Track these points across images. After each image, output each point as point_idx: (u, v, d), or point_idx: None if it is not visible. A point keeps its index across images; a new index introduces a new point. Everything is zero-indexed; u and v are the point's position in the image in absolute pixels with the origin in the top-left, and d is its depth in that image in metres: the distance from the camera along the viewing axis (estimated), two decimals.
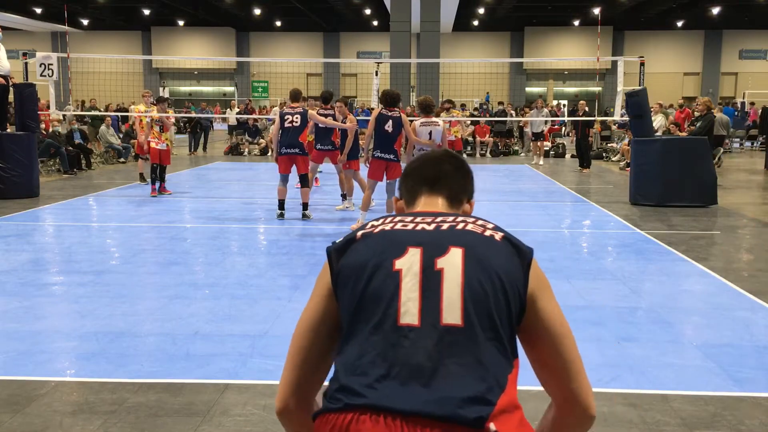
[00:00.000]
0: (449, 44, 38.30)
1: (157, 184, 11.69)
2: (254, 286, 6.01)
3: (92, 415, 3.51)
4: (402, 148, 10.36)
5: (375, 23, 41.55)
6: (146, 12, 39.70)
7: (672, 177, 10.54)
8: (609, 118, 20.85)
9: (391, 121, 8.37)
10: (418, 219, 1.55)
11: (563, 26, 42.62)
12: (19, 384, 3.89)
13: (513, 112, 24.83)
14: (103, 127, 18.25)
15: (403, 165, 8.77)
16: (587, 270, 6.66)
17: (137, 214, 10.04)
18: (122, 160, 18.07)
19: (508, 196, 12.12)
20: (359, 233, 1.54)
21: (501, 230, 1.57)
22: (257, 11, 38.84)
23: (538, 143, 19.12)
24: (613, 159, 19.29)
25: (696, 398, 3.75)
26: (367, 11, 38.58)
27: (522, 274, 1.49)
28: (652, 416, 3.53)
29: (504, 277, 1.45)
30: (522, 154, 21.81)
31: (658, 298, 5.75)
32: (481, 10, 38.54)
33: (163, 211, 10.25)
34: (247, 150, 21.90)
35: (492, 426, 1.32)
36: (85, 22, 41.77)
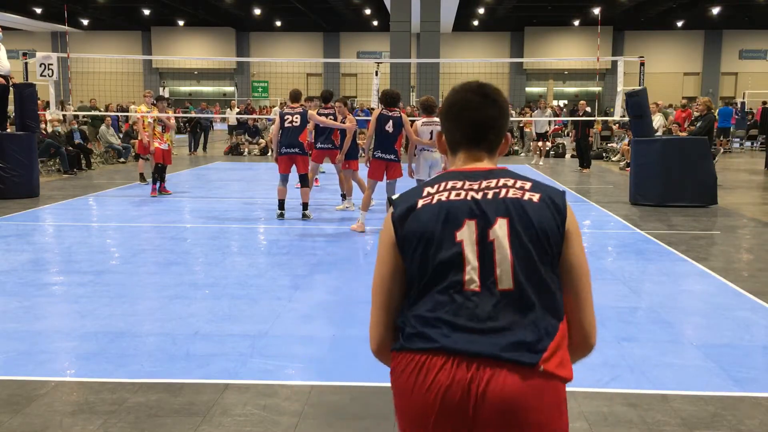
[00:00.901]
0: (449, 44, 38.32)
1: (157, 184, 11.70)
2: (254, 286, 6.01)
3: (92, 415, 3.51)
4: (402, 149, 10.36)
5: (375, 23, 41.56)
6: (146, 12, 39.72)
7: (672, 177, 10.54)
8: (610, 118, 20.85)
9: (391, 122, 8.39)
10: (467, 185, 1.73)
11: (563, 26, 42.62)
12: (19, 384, 3.89)
13: (513, 112, 24.83)
14: (103, 127, 18.25)
15: (404, 165, 8.78)
16: None
17: (137, 214, 10.04)
18: (122, 160, 18.07)
19: None
20: (420, 202, 1.73)
21: (537, 188, 1.75)
22: (257, 11, 38.84)
23: (540, 143, 19.12)
24: (613, 159, 19.29)
25: (696, 398, 3.75)
26: (367, 11, 38.58)
27: (558, 228, 1.71)
28: (652, 416, 3.53)
29: (544, 235, 1.68)
30: (522, 154, 21.81)
31: (658, 298, 5.75)
32: (481, 10, 38.54)
33: (163, 211, 10.25)
34: (247, 150, 21.90)
35: (541, 367, 1.60)
36: (85, 22, 41.78)
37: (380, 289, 1.81)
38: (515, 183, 1.74)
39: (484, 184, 1.73)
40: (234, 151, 21.58)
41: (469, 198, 1.70)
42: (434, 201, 1.71)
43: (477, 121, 1.79)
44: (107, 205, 10.89)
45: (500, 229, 1.66)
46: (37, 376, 4.00)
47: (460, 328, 1.62)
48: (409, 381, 1.65)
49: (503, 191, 1.71)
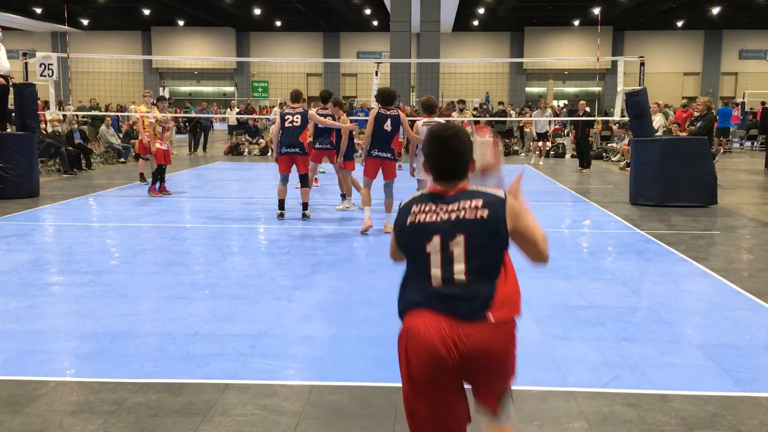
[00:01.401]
0: (449, 44, 38.32)
1: (157, 185, 11.69)
2: (254, 286, 6.01)
3: (92, 415, 3.51)
4: (403, 148, 10.30)
5: (375, 23, 41.55)
6: (146, 12, 39.71)
7: (672, 177, 10.54)
8: (610, 118, 20.84)
9: (389, 120, 8.39)
10: (438, 208, 2.44)
11: (563, 26, 42.61)
12: (19, 384, 3.89)
13: (513, 112, 24.82)
14: (103, 127, 18.25)
15: (404, 165, 8.78)
16: (587, 270, 6.66)
17: (137, 214, 10.04)
18: (122, 160, 18.06)
19: None
20: (408, 220, 2.48)
21: (486, 204, 2.41)
22: (257, 11, 38.83)
23: (540, 143, 19.12)
24: (613, 159, 19.29)
25: (696, 398, 3.75)
26: (367, 11, 38.57)
27: (501, 227, 2.41)
28: (652, 416, 3.53)
29: (490, 238, 2.40)
30: (522, 154, 21.80)
31: (658, 298, 5.75)
32: (481, 10, 38.54)
33: (163, 211, 10.25)
34: (247, 150, 21.90)
35: (490, 316, 2.36)
36: (85, 22, 41.77)
37: (394, 250, 2.65)
38: (471, 204, 2.42)
39: (450, 207, 2.43)
40: (234, 151, 21.58)
41: (438, 219, 2.43)
42: (416, 221, 2.47)
43: (445, 162, 2.48)
44: (107, 205, 10.89)
45: (458, 241, 2.39)
46: (37, 376, 4.00)
47: (433, 298, 2.39)
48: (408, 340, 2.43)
49: (462, 213, 2.41)
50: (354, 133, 10.39)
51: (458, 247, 2.38)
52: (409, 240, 2.49)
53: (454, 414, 2.45)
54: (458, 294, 2.37)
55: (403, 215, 2.51)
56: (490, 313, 2.36)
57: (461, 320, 2.35)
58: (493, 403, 2.52)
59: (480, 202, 2.41)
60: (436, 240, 2.40)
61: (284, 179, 9.41)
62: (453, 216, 2.41)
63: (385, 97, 8.55)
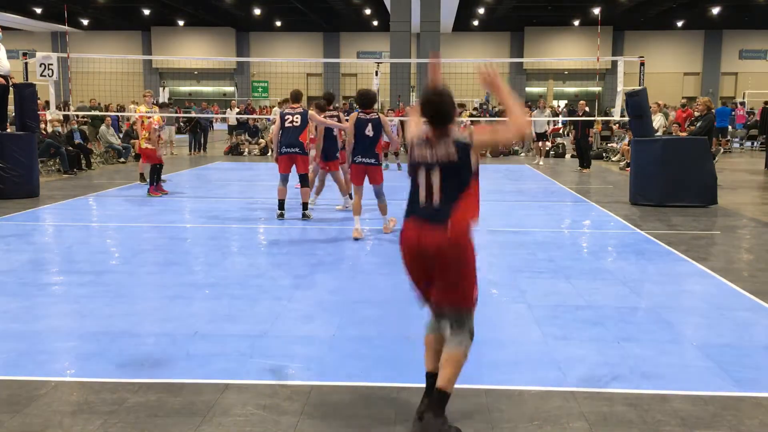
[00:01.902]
0: (449, 44, 38.31)
1: (154, 185, 11.71)
2: (254, 286, 6.01)
3: (92, 415, 3.51)
4: (402, 147, 10.19)
5: (375, 23, 41.56)
6: (146, 12, 39.72)
7: (672, 177, 10.54)
8: (610, 118, 20.84)
9: (370, 125, 8.11)
10: (426, 149, 3.39)
11: (563, 26, 42.62)
12: (19, 384, 3.89)
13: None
14: (103, 127, 18.25)
15: (403, 165, 8.72)
16: (587, 270, 6.66)
17: (137, 214, 10.04)
18: (122, 160, 18.06)
19: (508, 196, 12.12)
20: (412, 157, 3.48)
21: (456, 144, 3.34)
22: (257, 11, 38.84)
23: (540, 143, 19.12)
24: (613, 159, 19.29)
25: (696, 398, 3.75)
26: (367, 11, 38.57)
27: (467, 158, 3.34)
28: (652, 416, 3.53)
29: (458, 171, 3.34)
30: (522, 154, 21.81)
31: (658, 298, 5.75)
32: (481, 10, 38.54)
33: (163, 211, 10.25)
34: (247, 150, 21.90)
35: (449, 224, 3.27)
36: (85, 22, 41.78)
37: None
38: (448, 148, 3.34)
39: (434, 149, 3.37)
40: (234, 151, 21.58)
41: (425, 155, 3.39)
42: (414, 156, 3.47)
43: (435, 109, 3.39)
44: (107, 205, 10.89)
45: (436, 173, 3.35)
46: (37, 376, 4.00)
47: (420, 210, 3.39)
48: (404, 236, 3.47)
49: (441, 152, 3.35)
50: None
51: (436, 178, 3.34)
52: (409, 170, 3.51)
53: (429, 289, 3.44)
54: (432, 208, 3.34)
55: (411, 151, 3.51)
56: (450, 221, 3.28)
57: (431, 224, 3.32)
58: (444, 302, 3.36)
59: (452, 148, 3.34)
60: (422, 171, 3.39)
61: (284, 179, 9.41)
62: (435, 155, 3.36)
63: (365, 100, 8.23)
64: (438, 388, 3.25)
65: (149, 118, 11.78)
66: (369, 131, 8.12)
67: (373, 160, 8.20)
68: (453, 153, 3.31)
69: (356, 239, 8.04)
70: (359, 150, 8.16)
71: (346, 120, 10.07)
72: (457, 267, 3.30)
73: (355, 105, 23.40)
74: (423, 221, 3.33)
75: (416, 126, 3.63)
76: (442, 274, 3.31)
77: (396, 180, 12.66)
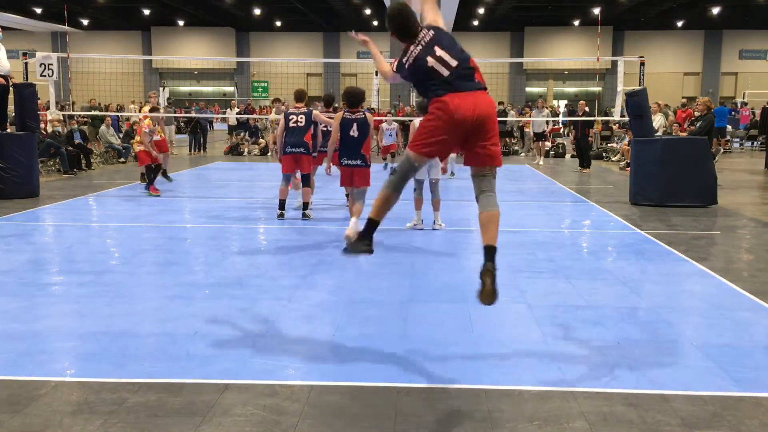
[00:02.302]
0: None
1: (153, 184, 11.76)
2: (254, 286, 6.01)
3: (92, 415, 3.51)
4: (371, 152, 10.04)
5: (375, 23, 41.54)
6: (146, 12, 39.71)
7: (672, 177, 10.54)
8: (610, 118, 20.84)
9: (356, 125, 7.79)
10: (420, 39, 4.09)
11: (563, 26, 42.60)
12: (19, 384, 3.89)
13: (513, 112, 24.82)
14: (103, 127, 18.25)
15: (393, 165, 8.64)
16: (587, 270, 6.66)
17: (137, 214, 10.04)
18: (122, 160, 18.07)
19: (508, 196, 12.11)
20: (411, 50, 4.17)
21: (432, 29, 4.13)
22: (257, 11, 38.83)
23: (539, 143, 19.12)
24: (613, 159, 19.29)
25: (696, 398, 3.75)
26: (367, 11, 38.56)
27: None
28: (652, 416, 3.53)
29: (454, 42, 4.10)
30: (522, 154, 21.80)
31: (658, 298, 5.75)
32: (481, 10, 38.52)
33: (163, 211, 10.25)
34: (247, 150, 21.90)
35: (486, 88, 4.08)
36: (85, 22, 41.76)
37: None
38: (430, 31, 4.11)
39: (423, 37, 4.11)
40: (234, 151, 21.58)
41: (424, 43, 4.09)
42: (413, 55, 4.14)
43: (405, 18, 4.19)
44: (107, 205, 10.89)
45: (438, 50, 4.03)
46: (37, 376, 4.00)
47: (451, 83, 4.01)
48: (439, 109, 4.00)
49: (429, 36, 4.10)
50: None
51: (441, 52, 4.05)
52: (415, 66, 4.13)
53: (448, 152, 4.34)
54: (464, 78, 4.06)
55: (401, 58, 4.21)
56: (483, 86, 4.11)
57: (472, 89, 4.04)
58: (489, 161, 4.05)
59: (432, 32, 4.11)
60: (431, 55, 4.05)
61: (286, 179, 9.40)
62: (424, 40, 4.09)
63: (352, 98, 7.92)
64: (491, 245, 3.95)
65: (143, 121, 11.82)
66: (354, 131, 7.79)
67: (359, 162, 7.84)
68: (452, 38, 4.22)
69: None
70: (345, 151, 7.84)
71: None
72: (496, 129, 4.07)
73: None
74: (468, 91, 3.95)
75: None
76: (489, 136, 4.00)
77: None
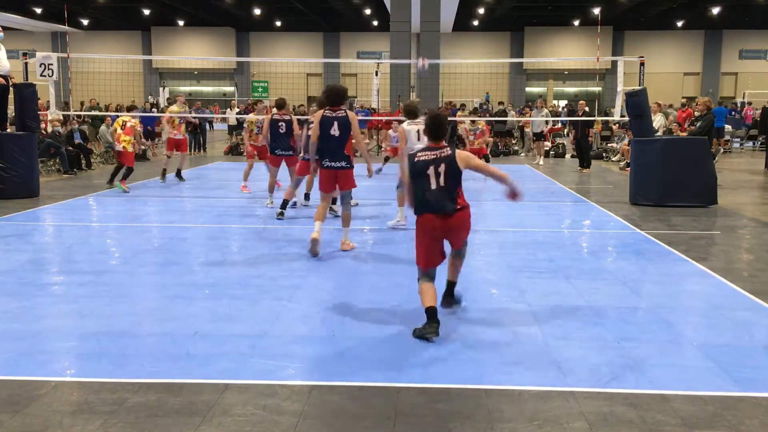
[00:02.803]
0: (449, 44, 38.27)
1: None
2: (254, 286, 6.01)
3: (92, 415, 3.51)
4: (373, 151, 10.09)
5: (375, 23, 41.55)
6: (146, 12, 39.70)
7: (672, 177, 10.53)
8: (610, 118, 20.83)
9: (336, 123, 7.27)
10: (429, 152, 4.91)
11: (563, 26, 42.60)
12: (19, 384, 3.89)
13: (513, 112, 24.81)
14: (103, 127, 18.23)
15: (381, 167, 8.60)
16: (587, 270, 6.66)
17: (137, 214, 10.05)
18: None
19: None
20: (415, 158, 4.92)
21: (451, 149, 4.92)
22: (257, 11, 38.83)
23: (539, 143, 19.11)
24: (613, 159, 19.28)
25: (696, 398, 3.75)
26: (367, 11, 38.56)
27: (458, 165, 4.88)
28: (652, 416, 3.53)
29: (456, 168, 4.87)
30: (522, 154, 21.80)
31: (658, 298, 5.75)
32: (481, 10, 38.52)
33: (163, 211, 10.25)
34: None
35: (457, 209, 4.90)
36: (85, 22, 41.76)
37: (407, 181, 5.02)
38: (444, 151, 4.87)
39: (437, 153, 4.87)
40: (234, 151, 21.57)
41: (429, 158, 4.86)
42: (420, 158, 4.88)
43: (436, 128, 5.00)
44: (107, 205, 10.89)
45: (441, 168, 4.82)
46: (37, 376, 4.00)
47: (432, 204, 4.84)
48: (424, 224, 4.89)
49: (444, 154, 4.86)
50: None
51: (441, 170, 4.84)
52: (415, 168, 4.87)
53: (440, 246, 5.01)
54: (441, 198, 4.86)
55: (412, 156, 4.94)
56: (457, 209, 4.87)
57: (442, 212, 4.85)
58: (461, 242, 5.13)
59: (447, 151, 4.89)
60: (431, 169, 4.85)
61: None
62: (436, 156, 4.87)
63: (333, 97, 7.38)
64: (453, 281, 5.25)
65: (179, 119, 13.09)
66: (335, 131, 7.27)
67: (343, 164, 7.35)
68: (455, 162, 4.93)
69: (311, 252, 7.10)
70: (326, 153, 7.32)
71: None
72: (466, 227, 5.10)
73: (355, 105, 22.87)
74: (439, 213, 4.87)
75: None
76: (460, 233, 5.05)
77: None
